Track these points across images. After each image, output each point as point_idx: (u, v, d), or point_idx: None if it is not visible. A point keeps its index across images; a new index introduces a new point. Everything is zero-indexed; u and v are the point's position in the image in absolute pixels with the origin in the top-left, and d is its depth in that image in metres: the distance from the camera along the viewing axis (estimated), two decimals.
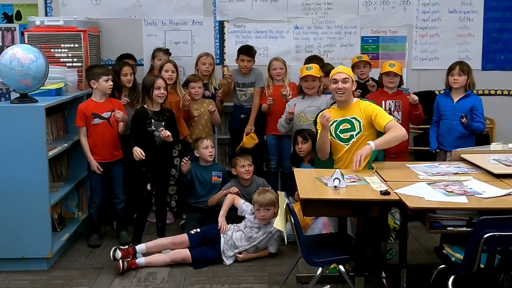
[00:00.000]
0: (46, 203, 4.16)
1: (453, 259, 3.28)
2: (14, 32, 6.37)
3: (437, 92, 6.11)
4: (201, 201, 4.99)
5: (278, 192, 3.73)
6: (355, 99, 4.18)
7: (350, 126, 4.08)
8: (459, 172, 3.82)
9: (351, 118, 4.08)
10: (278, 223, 3.55)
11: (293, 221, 3.39)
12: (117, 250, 4.13)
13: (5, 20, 6.39)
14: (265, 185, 5.02)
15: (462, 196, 3.26)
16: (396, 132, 3.91)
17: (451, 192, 3.34)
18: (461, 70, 4.91)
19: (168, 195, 5.12)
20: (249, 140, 5.42)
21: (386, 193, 3.31)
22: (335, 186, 3.42)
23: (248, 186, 4.99)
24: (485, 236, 3.00)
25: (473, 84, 4.98)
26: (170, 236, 4.61)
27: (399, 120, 5.04)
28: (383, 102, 5.06)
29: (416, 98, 5.00)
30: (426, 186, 3.47)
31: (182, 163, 4.83)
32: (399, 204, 3.29)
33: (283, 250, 4.48)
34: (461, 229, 3.17)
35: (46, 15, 6.15)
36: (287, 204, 3.39)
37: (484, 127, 4.96)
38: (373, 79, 5.56)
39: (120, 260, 4.09)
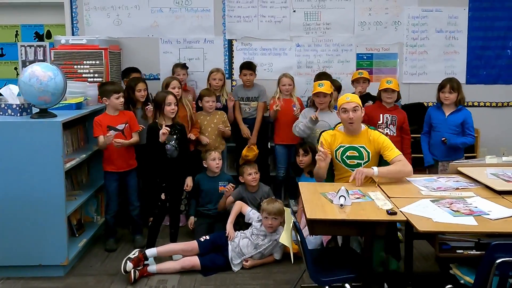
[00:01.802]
0: (63, 213, 3.54)
1: (462, 281, 2.64)
2: (45, 49, 5.78)
3: (425, 104, 5.49)
4: (210, 208, 4.35)
5: (285, 208, 3.10)
6: (363, 127, 3.47)
7: (358, 154, 3.40)
8: (460, 187, 3.19)
9: (359, 146, 3.40)
10: (284, 239, 2.93)
11: (299, 239, 2.77)
12: (128, 261, 3.49)
13: (37, 39, 5.78)
14: (270, 193, 4.39)
15: (470, 217, 2.64)
16: (404, 167, 3.28)
17: (457, 211, 2.72)
18: (451, 88, 4.27)
19: None
20: (249, 152, 4.80)
21: (393, 213, 2.69)
22: (341, 205, 2.79)
23: (255, 193, 4.36)
24: (497, 261, 2.38)
25: (463, 99, 4.36)
26: (182, 237, 4.04)
27: (394, 133, 4.42)
28: (381, 115, 4.43)
29: None
30: (431, 204, 2.84)
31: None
32: (406, 223, 2.68)
33: (287, 256, 3.82)
34: (471, 252, 2.55)
35: (73, 34, 5.56)
36: (294, 223, 2.76)
37: (473, 140, 4.31)
38: (370, 95, 4.94)
39: (132, 271, 3.46)
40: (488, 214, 2.68)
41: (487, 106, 5.65)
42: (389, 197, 2.97)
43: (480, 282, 2.45)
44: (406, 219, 2.62)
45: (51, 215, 3.51)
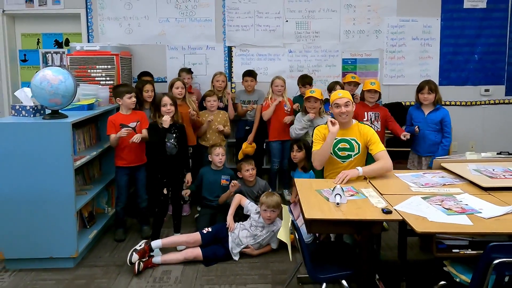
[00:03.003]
0: (72, 209, 3.09)
1: (457, 279, 2.21)
2: (64, 55, 5.28)
3: (403, 103, 5.06)
4: (212, 199, 3.89)
5: (283, 206, 2.65)
6: (354, 121, 3.06)
7: (349, 146, 2.97)
8: (447, 183, 2.75)
9: (350, 139, 2.98)
10: (282, 235, 2.49)
11: (297, 237, 2.33)
12: (134, 253, 3.04)
13: (56, 46, 5.27)
14: (267, 186, 3.95)
15: (463, 215, 2.21)
16: (385, 164, 2.83)
17: (449, 209, 2.29)
18: (429, 89, 3.84)
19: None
20: (248, 147, 4.38)
21: (388, 211, 2.25)
22: (337, 203, 2.36)
23: (252, 187, 3.91)
24: (495, 262, 1.95)
25: (440, 99, 3.93)
26: (186, 226, 3.64)
27: (378, 128, 4.00)
28: (365, 113, 4.01)
29: (408, 136, 3.86)
30: (423, 201, 2.41)
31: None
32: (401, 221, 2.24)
33: (283, 246, 3.37)
34: (467, 251, 2.12)
35: (89, 41, 5.06)
36: (292, 221, 2.33)
37: (450, 139, 3.89)
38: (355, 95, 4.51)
39: (136, 263, 3.01)
40: (480, 213, 2.25)
41: (458, 105, 5.23)
42: (381, 194, 2.53)
43: (477, 282, 2.03)
44: (402, 218, 2.19)
45: (61, 211, 3.06)
